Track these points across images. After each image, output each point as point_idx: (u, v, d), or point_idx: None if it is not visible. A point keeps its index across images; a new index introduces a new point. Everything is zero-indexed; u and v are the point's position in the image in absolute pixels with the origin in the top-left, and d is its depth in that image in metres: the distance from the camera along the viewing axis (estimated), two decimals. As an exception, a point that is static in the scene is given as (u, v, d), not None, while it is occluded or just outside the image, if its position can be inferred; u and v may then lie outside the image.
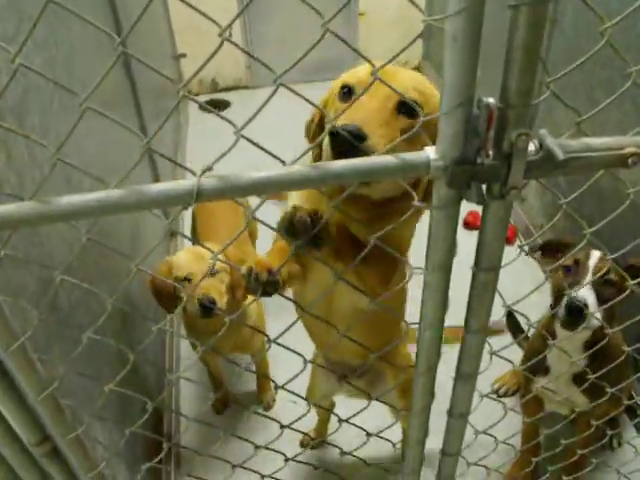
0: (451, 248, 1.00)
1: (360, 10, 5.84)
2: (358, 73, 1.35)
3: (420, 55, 6.13)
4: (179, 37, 5.65)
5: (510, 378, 3.02)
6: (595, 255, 1.94)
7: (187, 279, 2.21)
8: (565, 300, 1.87)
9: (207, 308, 2.13)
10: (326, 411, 2.55)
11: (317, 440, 2.83)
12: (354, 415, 1.49)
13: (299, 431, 1.46)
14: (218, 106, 5.95)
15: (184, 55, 5.71)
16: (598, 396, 1.76)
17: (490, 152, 0.86)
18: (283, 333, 1.18)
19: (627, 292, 1.41)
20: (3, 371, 1.07)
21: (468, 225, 3.92)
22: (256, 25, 5.88)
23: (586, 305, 1.83)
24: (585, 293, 1.86)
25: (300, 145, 1.02)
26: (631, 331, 1.69)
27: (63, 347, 1.51)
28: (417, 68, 6.18)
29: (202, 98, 6.10)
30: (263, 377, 2.99)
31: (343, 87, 1.34)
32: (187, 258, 2.26)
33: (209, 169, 0.84)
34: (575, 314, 1.83)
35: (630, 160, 0.92)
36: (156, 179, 3.74)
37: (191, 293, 2.15)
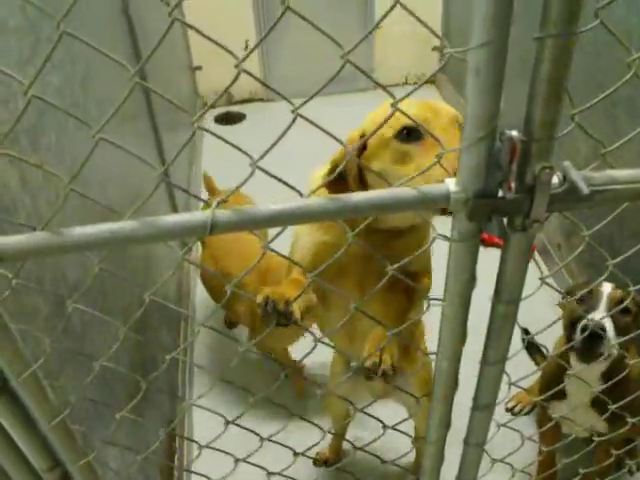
0: (471, 280, 0.98)
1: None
2: (411, 110, 1.31)
3: (436, 69, 6.10)
4: (195, 50, 5.67)
5: (524, 396, 2.97)
6: (608, 285, 1.90)
7: None
8: (581, 325, 1.82)
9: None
10: (342, 425, 2.55)
11: (332, 460, 2.78)
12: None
13: (312, 457, 1.44)
14: (233, 119, 5.96)
15: (200, 68, 5.73)
16: (618, 421, 1.72)
17: (513, 185, 0.84)
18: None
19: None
20: (14, 397, 1.06)
21: (484, 242, 3.86)
22: (273, 36, 5.89)
23: (603, 329, 1.79)
24: (602, 319, 1.82)
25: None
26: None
27: (75, 371, 1.50)
28: (432, 82, 6.16)
29: (218, 111, 6.11)
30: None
31: (403, 129, 1.32)
32: None
33: (224, 201, 0.83)
34: (593, 340, 1.78)
35: (656, 193, 0.90)
36: (172, 198, 3.73)
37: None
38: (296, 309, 1.30)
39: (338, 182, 1.25)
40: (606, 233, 2.86)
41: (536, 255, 3.85)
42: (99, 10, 2.42)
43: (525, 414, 2.93)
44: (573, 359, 1.96)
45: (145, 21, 3.27)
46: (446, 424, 1.28)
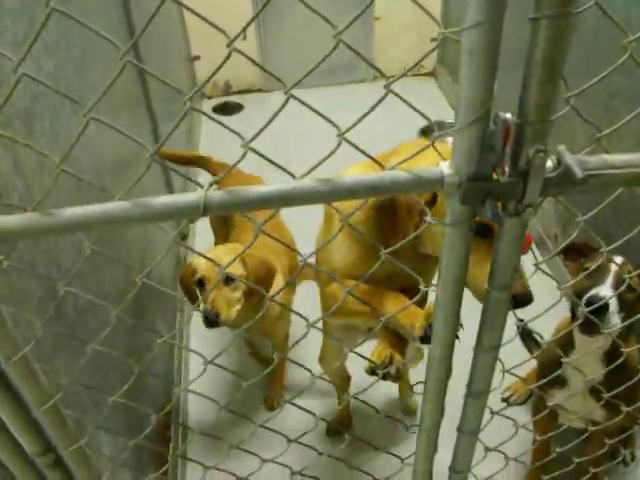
0: (464, 263, 0.97)
1: (376, 14, 5.82)
2: None
3: (435, 60, 6.08)
4: (193, 39, 5.64)
5: (521, 386, 2.97)
6: (618, 259, 1.89)
7: (201, 284, 2.21)
8: (585, 299, 1.80)
9: (210, 321, 2.12)
10: (342, 381, 2.61)
11: (345, 426, 2.82)
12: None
13: (306, 445, 1.43)
14: (232, 109, 5.94)
15: (198, 57, 5.71)
16: (616, 409, 1.72)
17: (506, 169, 0.83)
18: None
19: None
20: (6, 381, 1.05)
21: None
22: (271, 26, 5.87)
23: (607, 304, 1.77)
24: (607, 292, 1.80)
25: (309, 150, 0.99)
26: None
27: (69, 355, 1.49)
28: (431, 73, 6.14)
29: (215, 101, 6.09)
30: (276, 373, 2.95)
31: None
32: (205, 261, 2.20)
33: (216, 182, 0.82)
34: (596, 313, 1.76)
35: (651, 178, 0.89)
36: (168, 182, 3.72)
37: (202, 300, 2.17)
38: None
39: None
40: (603, 223, 2.86)
41: (533, 246, 3.84)
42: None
43: (520, 404, 2.94)
44: (576, 334, 1.95)
45: (143, 8, 3.25)
46: (440, 411, 1.28)
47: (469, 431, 1.34)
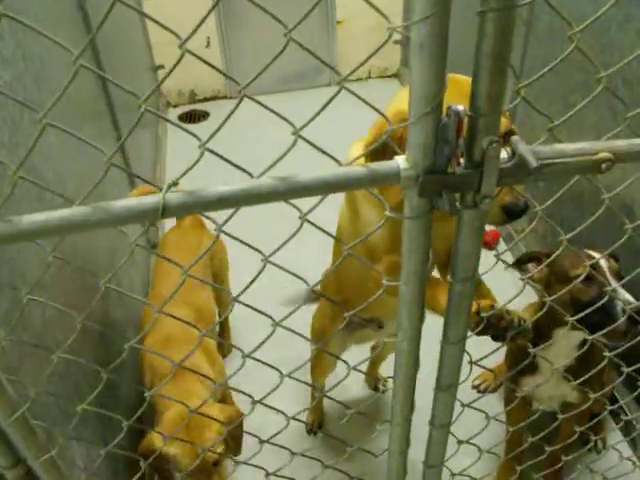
0: (425, 258, 0.99)
1: (338, 18, 5.85)
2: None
3: (398, 62, 6.13)
4: (157, 49, 5.61)
5: (490, 375, 2.99)
6: (600, 257, 1.87)
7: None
8: (617, 307, 1.78)
9: None
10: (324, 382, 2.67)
11: (321, 421, 2.93)
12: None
13: (281, 446, 1.43)
14: (197, 117, 5.93)
15: (162, 67, 5.68)
16: (589, 389, 1.74)
17: (461, 160, 0.85)
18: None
19: None
20: None
21: (485, 245, 3.80)
22: (234, 33, 5.86)
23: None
24: (625, 294, 1.79)
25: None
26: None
27: (36, 366, 1.48)
28: (395, 75, 6.19)
29: (181, 109, 6.07)
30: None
31: None
32: (183, 448, 1.87)
33: (175, 184, 0.82)
34: (606, 314, 1.77)
35: (604, 165, 0.92)
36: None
37: None
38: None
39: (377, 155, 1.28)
40: (566, 215, 2.91)
41: (501, 243, 3.89)
42: (53, 5, 2.39)
43: (491, 392, 2.96)
44: (560, 330, 1.95)
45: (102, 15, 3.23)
46: (410, 406, 1.29)
47: (440, 424, 1.35)
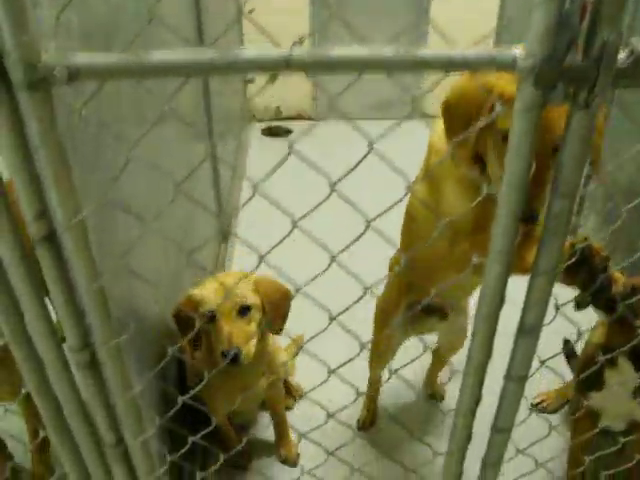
0: (527, 166, 0.98)
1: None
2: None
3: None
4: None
5: (553, 395, 2.86)
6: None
7: (211, 317, 2.02)
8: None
9: (233, 360, 1.96)
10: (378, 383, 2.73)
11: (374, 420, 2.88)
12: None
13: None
14: (279, 133, 6.07)
15: (252, 80, 5.86)
16: None
17: (580, 47, 0.85)
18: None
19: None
20: (59, 254, 1.04)
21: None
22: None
23: None
24: None
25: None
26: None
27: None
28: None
29: (265, 124, 6.23)
30: (282, 427, 2.68)
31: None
32: (213, 290, 2.04)
33: (302, 41, 0.85)
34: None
35: None
36: (217, 194, 3.80)
37: (215, 339, 2.03)
38: None
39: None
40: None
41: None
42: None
43: (550, 412, 2.81)
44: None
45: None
46: (476, 398, 1.28)
47: (502, 428, 1.35)
